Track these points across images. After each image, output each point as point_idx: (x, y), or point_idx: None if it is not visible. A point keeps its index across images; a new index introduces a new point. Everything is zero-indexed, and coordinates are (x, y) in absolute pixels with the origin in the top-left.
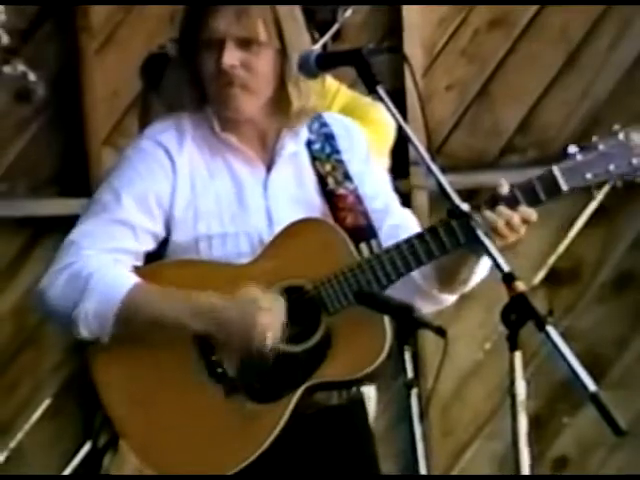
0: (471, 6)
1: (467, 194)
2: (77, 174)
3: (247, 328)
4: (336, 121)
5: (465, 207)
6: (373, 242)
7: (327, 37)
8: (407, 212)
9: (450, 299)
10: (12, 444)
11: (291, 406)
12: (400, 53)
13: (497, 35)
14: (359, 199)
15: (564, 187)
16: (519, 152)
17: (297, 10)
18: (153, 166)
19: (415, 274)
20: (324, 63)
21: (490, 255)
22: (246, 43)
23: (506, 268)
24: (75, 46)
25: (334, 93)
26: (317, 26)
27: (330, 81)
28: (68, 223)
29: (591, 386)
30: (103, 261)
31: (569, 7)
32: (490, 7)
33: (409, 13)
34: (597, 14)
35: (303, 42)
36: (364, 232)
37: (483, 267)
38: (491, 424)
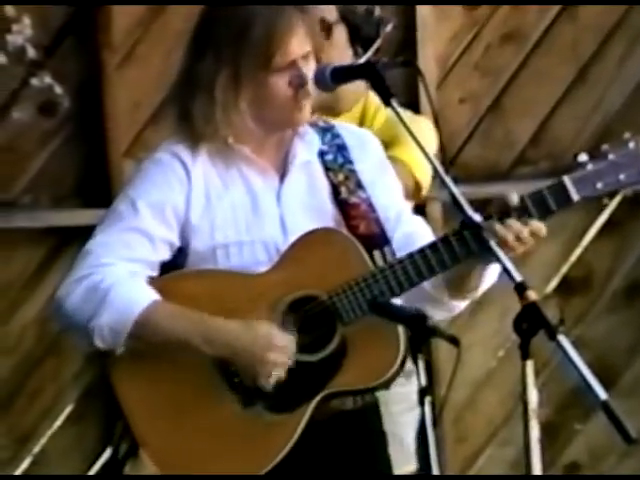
0: (484, 21)
1: (480, 205)
2: (99, 185)
3: (255, 362)
4: (349, 132)
5: (477, 218)
6: (386, 250)
7: (370, 52)
8: (419, 220)
9: (461, 306)
10: (35, 450)
11: (307, 416)
12: (414, 67)
13: (509, 49)
14: (372, 207)
15: (575, 197)
16: (531, 164)
17: None
18: (169, 176)
19: (425, 283)
20: (339, 77)
21: (503, 265)
22: (306, 55)
23: (518, 278)
24: (97, 61)
25: (375, 109)
26: (361, 42)
27: (371, 98)
28: (90, 233)
29: (602, 394)
30: (121, 274)
31: (580, 23)
32: (502, 22)
33: (423, 28)
34: (607, 29)
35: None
36: (377, 240)
37: (492, 273)
38: (504, 431)
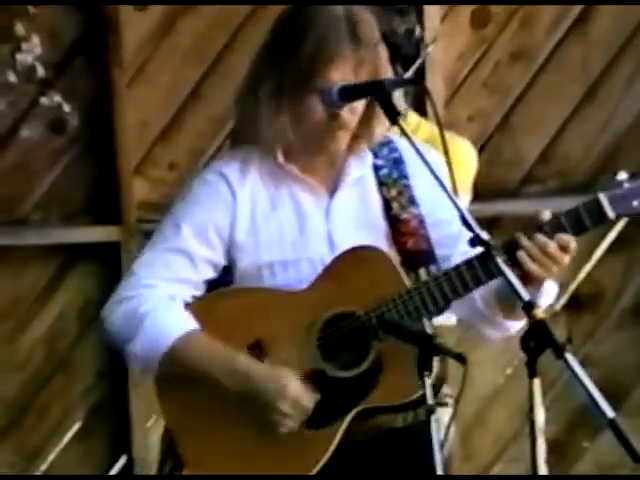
0: (492, 39)
1: (488, 223)
2: (108, 203)
3: (268, 409)
4: (407, 146)
5: (485, 236)
6: (432, 267)
7: (411, 71)
8: None
9: (516, 326)
10: (43, 467)
11: (341, 431)
12: (422, 85)
13: (518, 67)
14: (422, 224)
15: (610, 214)
16: (540, 182)
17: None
18: (214, 197)
19: (479, 303)
20: (347, 95)
21: (510, 283)
22: None
23: (526, 296)
24: (107, 79)
25: (415, 127)
26: (402, 61)
27: (411, 115)
28: (100, 250)
29: (609, 413)
30: (160, 298)
31: (589, 41)
32: (511, 40)
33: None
34: (616, 48)
35: (389, 73)
36: (424, 257)
37: (548, 292)
38: (512, 448)
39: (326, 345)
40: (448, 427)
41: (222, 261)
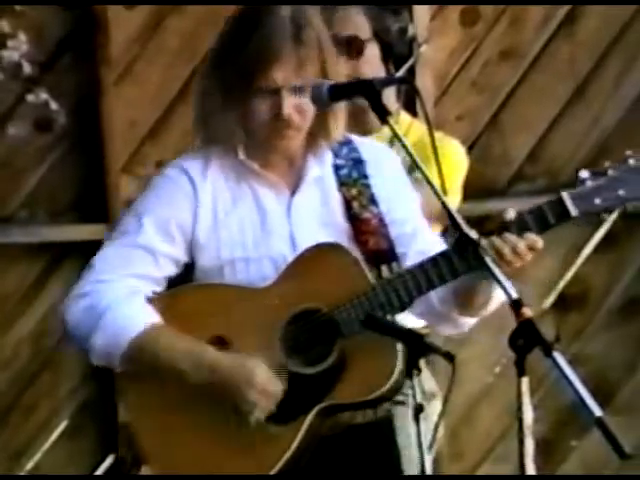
0: (481, 38)
1: (477, 221)
2: (96, 201)
3: (236, 398)
4: (366, 146)
5: (473, 234)
6: (394, 265)
7: (403, 71)
8: (436, 238)
9: (471, 322)
10: (29, 466)
11: (304, 428)
12: (411, 84)
13: (507, 66)
14: (382, 223)
15: (573, 212)
16: (528, 180)
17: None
18: (175, 193)
19: (433, 298)
20: (336, 94)
21: (498, 281)
22: (299, 89)
23: (514, 294)
24: (94, 77)
25: (407, 127)
26: (394, 60)
27: (403, 115)
28: (87, 248)
29: (596, 411)
30: (119, 292)
31: (577, 40)
32: (500, 39)
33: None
34: (604, 47)
35: (340, 73)
36: (385, 255)
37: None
38: (500, 447)
39: (290, 341)
40: (437, 426)
41: (183, 257)
